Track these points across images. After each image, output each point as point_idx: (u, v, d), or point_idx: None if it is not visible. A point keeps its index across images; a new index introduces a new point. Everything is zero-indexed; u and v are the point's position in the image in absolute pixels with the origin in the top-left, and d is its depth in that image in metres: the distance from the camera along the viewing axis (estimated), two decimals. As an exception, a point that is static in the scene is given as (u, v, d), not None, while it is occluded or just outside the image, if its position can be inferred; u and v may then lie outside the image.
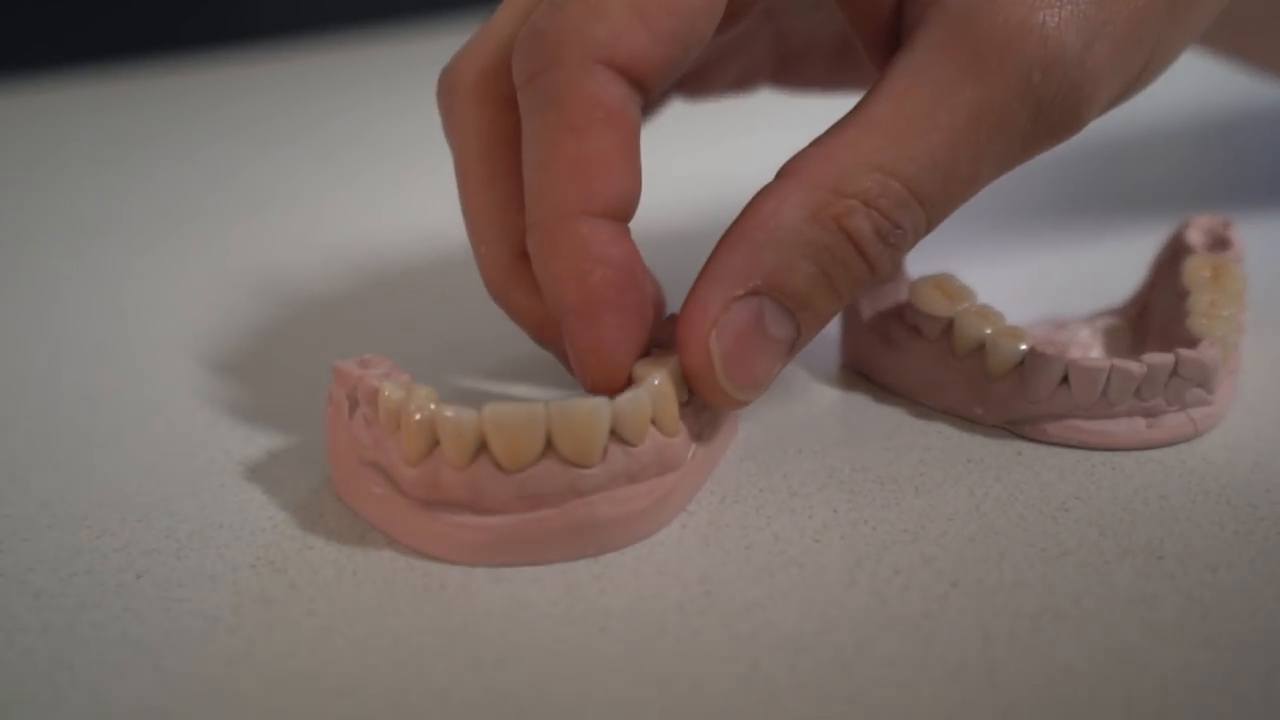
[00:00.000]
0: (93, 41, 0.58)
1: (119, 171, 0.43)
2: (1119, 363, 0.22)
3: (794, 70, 0.29)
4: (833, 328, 0.27)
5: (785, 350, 0.20)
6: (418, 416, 0.19)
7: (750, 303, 0.19)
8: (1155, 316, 0.25)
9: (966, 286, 0.24)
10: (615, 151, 0.19)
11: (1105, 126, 0.38)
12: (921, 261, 0.27)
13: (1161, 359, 0.22)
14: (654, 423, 0.20)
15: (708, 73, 0.27)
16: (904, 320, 0.25)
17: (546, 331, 0.23)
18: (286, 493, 0.22)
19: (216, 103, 0.53)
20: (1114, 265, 0.30)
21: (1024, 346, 0.22)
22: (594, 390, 0.20)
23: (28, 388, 0.26)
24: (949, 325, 0.24)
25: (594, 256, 0.19)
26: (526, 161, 0.20)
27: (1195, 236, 0.25)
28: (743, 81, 0.29)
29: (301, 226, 0.37)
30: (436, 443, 0.19)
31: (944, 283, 0.24)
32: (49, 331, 0.29)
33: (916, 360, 0.24)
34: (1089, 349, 0.25)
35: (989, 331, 0.23)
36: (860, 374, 0.26)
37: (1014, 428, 0.23)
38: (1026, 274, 0.31)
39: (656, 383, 0.19)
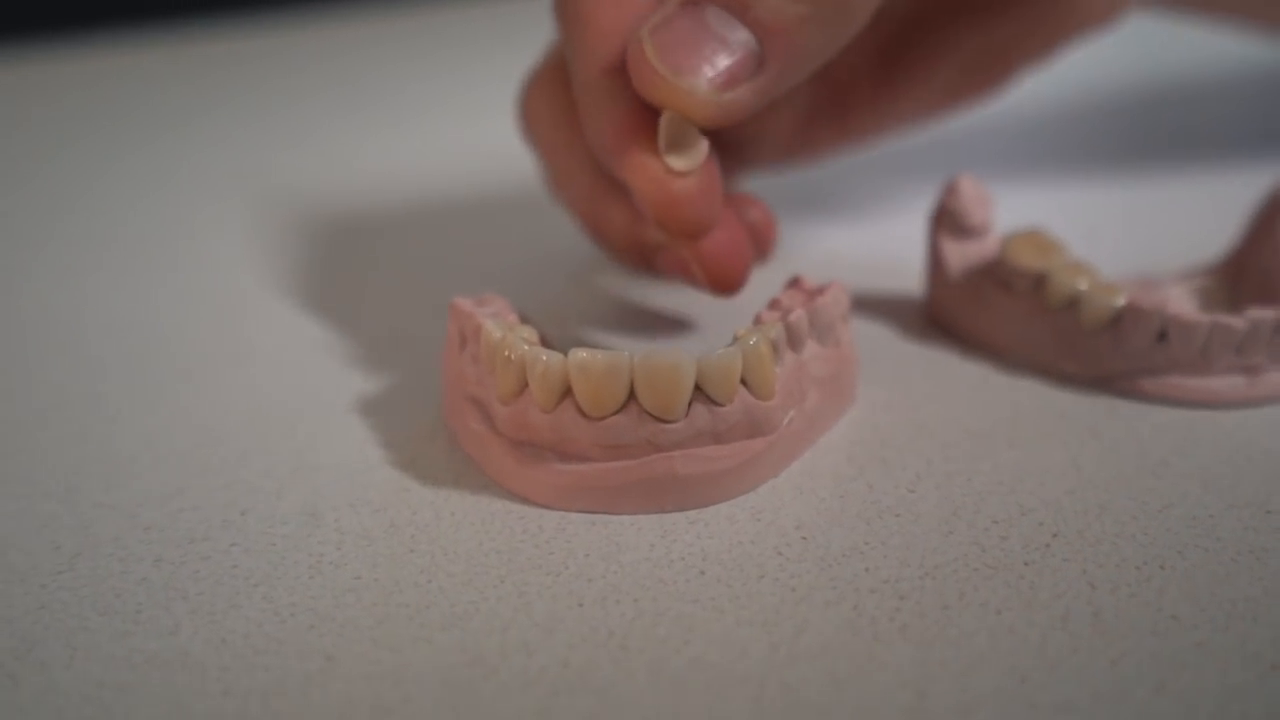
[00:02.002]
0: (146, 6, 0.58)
1: (185, 133, 0.44)
2: (1221, 318, 0.21)
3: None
4: (917, 285, 0.27)
5: (743, 57, 0.19)
6: (510, 356, 0.20)
7: (688, 7, 0.20)
8: (1253, 275, 0.24)
9: (1058, 242, 0.24)
10: None
11: (1191, 73, 0.37)
12: (1009, 213, 0.27)
13: (1265, 315, 0.21)
14: (746, 384, 0.19)
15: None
16: (993, 276, 0.24)
17: (638, 250, 0.23)
18: (380, 432, 0.22)
19: (270, 66, 0.54)
20: (1205, 219, 0.29)
21: (1121, 301, 0.22)
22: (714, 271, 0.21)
23: (123, 331, 0.27)
24: (1041, 280, 0.23)
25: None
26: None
27: (1296, 193, 0.24)
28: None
29: (374, 178, 0.37)
30: (527, 384, 0.20)
31: (1036, 237, 0.24)
32: (140, 279, 0.30)
33: (1006, 316, 0.24)
34: (1183, 306, 0.24)
35: (1084, 287, 0.22)
36: (945, 329, 0.25)
37: (1108, 384, 0.22)
38: (1112, 228, 0.30)
39: (753, 342, 0.19)
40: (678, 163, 0.20)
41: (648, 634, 0.16)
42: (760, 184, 0.31)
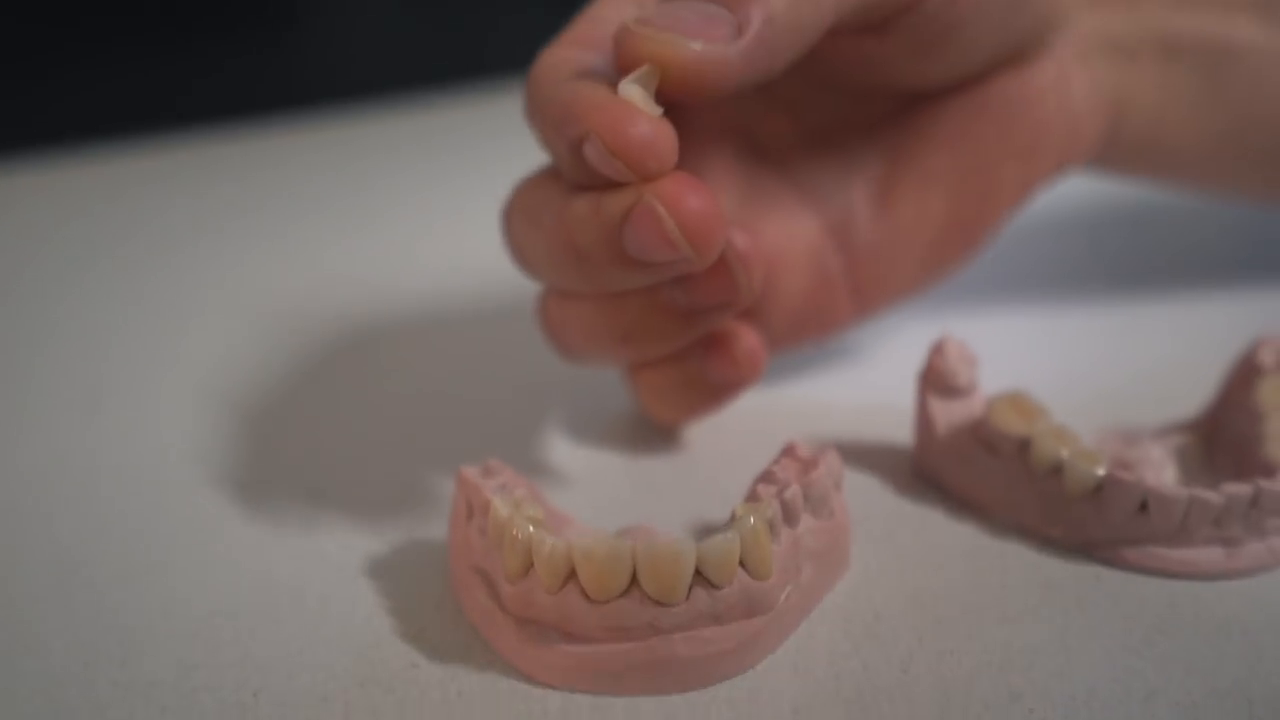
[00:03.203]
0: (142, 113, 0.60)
1: (166, 246, 0.45)
2: (1198, 493, 0.22)
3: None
4: (905, 429, 0.28)
5: (722, 25, 0.21)
6: (518, 535, 0.20)
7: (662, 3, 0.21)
8: (1229, 437, 0.25)
9: (1041, 405, 0.25)
10: None
11: (1173, 219, 0.38)
12: (990, 362, 0.28)
13: (1241, 489, 0.22)
14: (744, 565, 0.20)
15: None
16: (979, 436, 0.25)
17: (605, 265, 0.23)
18: (388, 598, 0.23)
19: (258, 172, 0.55)
20: (1180, 368, 0.30)
21: (1102, 471, 0.23)
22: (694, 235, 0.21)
23: (128, 486, 0.27)
24: (1025, 445, 0.24)
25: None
26: None
27: (1268, 357, 0.26)
28: None
29: (373, 293, 0.38)
30: (533, 564, 0.20)
31: (1019, 400, 0.25)
32: (151, 426, 0.31)
33: (993, 477, 0.25)
34: (1162, 469, 0.25)
35: (1066, 454, 0.23)
36: (934, 484, 0.26)
37: (1092, 550, 0.23)
38: (1091, 375, 0.31)
39: (751, 523, 0.20)
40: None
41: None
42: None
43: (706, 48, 0.20)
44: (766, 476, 0.23)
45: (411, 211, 0.49)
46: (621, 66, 0.21)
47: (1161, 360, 0.32)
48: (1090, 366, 0.32)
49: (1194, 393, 0.28)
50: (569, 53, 0.23)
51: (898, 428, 0.28)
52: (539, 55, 0.24)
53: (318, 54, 0.64)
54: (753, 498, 0.22)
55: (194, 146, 0.58)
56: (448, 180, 0.53)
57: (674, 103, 0.21)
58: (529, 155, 0.25)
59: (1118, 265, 0.39)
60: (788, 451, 0.23)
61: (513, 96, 0.26)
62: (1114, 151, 0.30)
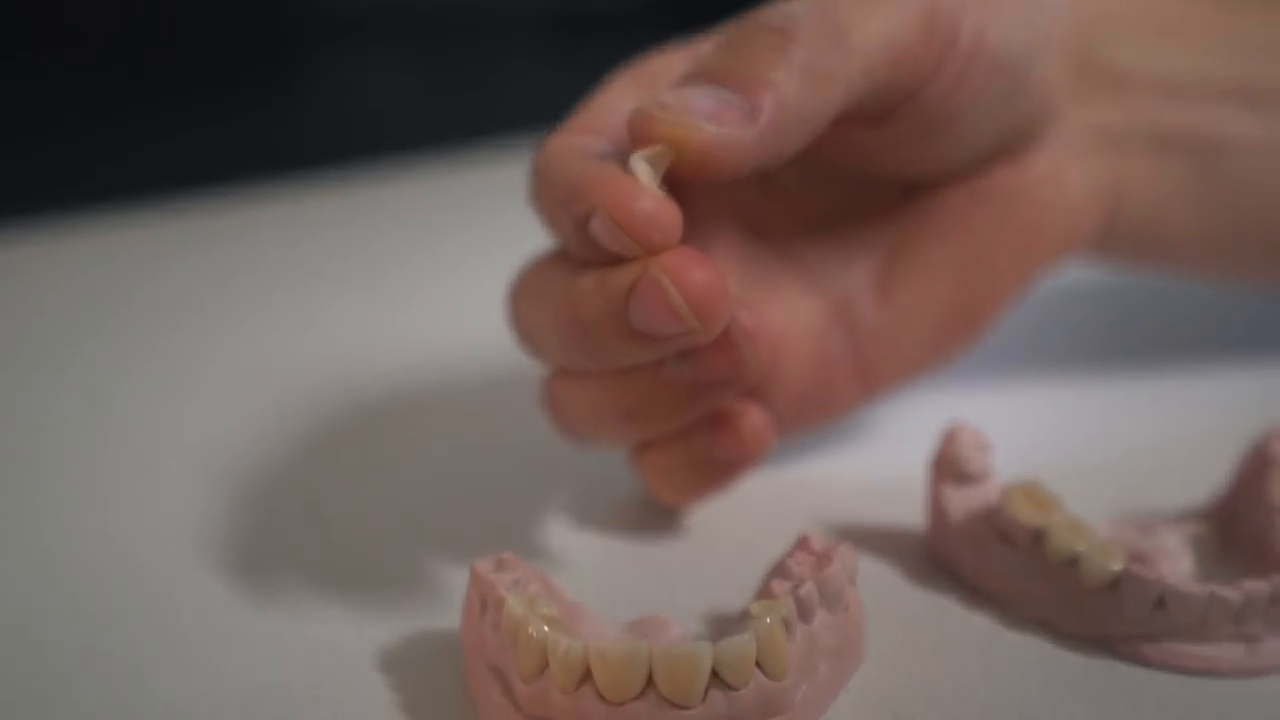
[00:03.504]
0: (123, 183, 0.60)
1: (163, 320, 0.45)
2: (1217, 589, 0.22)
3: None
4: (918, 511, 0.27)
5: (735, 109, 0.21)
6: (533, 635, 0.20)
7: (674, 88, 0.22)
8: (1245, 528, 0.25)
9: (1055, 496, 0.25)
10: None
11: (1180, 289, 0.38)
12: (1002, 438, 0.27)
13: (1260, 587, 0.22)
14: (760, 665, 0.20)
15: None
16: (993, 525, 0.25)
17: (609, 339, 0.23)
18: (402, 693, 0.22)
19: (254, 241, 0.55)
20: (1193, 442, 0.31)
21: (1118, 566, 0.23)
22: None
23: (133, 572, 0.27)
24: (1040, 536, 0.24)
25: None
26: None
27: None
28: None
29: (379, 367, 0.38)
30: (549, 663, 0.20)
31: (1033, 490, 0.25)
32: (153, 507, 0.31)
33: (1008, 567, 0.25)
34: (1179, 559, 0.25)
35: (1082, 548, 0.23)
36: (948, 571, 0.26)
37: (1110, 645, 0.23)
38: (1103, 450, 0.31)
39: (768, 623, 0.20)
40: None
41: None
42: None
43: (721, 131, 0.21)
44: (781, 571, 0.23)
45: (419, 277, 0.49)
46: (635, 148, 0.22)
47: (1174, 435, 0.32)
48: (1103, 442, 0.32)
49: (1207, 469, 0.28)
50: (575, 139, 0.24)
51: (910, 508, 0.28)
52: (545, 141, 0.24)
53: (323, 116, 0.65)
54: (766, 594, 0.22)
55: (196, 212, 0.59)
56: (455, 244, 0.53)
57: (682, 184, 0.22)
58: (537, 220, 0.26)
59: (1126, 335, 0.39)
60: (801, 544, 0.23)
61: (523, 158, 0.27)
62: (1112, 242, 0.31)
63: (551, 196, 0.23)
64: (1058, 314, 0.40)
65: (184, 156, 0.60)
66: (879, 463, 0.31)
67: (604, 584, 0.26)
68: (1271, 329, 0.38)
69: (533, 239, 0.26)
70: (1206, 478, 0.28)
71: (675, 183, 0.22)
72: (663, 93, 0.22)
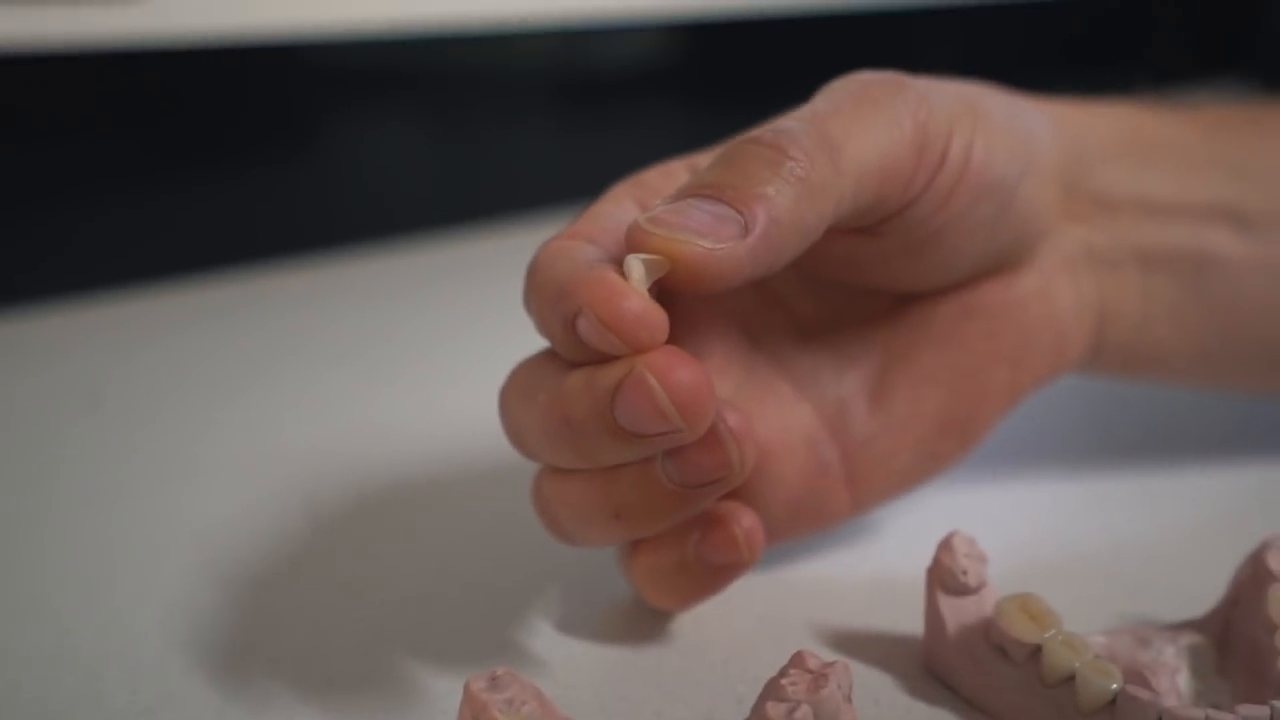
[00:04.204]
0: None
1: (150, 404, 0.45)
2: (1214, 714, 0.22)
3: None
4: (915, 617, 0.27)
5: (730, 224, 0.22)
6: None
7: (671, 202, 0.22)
8: (1241, 640, 0.25)
9: (1052, 610, 0.25)
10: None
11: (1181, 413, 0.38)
12: (997, 539, 0.27)
13: (1258, 712, 0.22)
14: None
15: None
16: (990, 639, 0.25)
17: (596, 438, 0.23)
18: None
19: (245, 317, 0.55)
20: (1189, 541, 0.31)
21: (1115, 686, 0.23)
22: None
23: (117, 673, 0.27)
24: (1036, 651, 0.24)
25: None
26: None
27: (1276, 561, 0.25)
28: None
29: (372, 456, 0.38)
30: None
31: (1030, 604, 0.25)
32: (143, 601, 0.30)
33: (1004, 682, 0.25)
34: (1176, 671, 0.25)
35: (1079, 665, 0.23)
36: (945, 683, 0.26)
37: (1108, 766, 0.23)
38: (1100, 549, 0.31)
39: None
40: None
41: None
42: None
43: (716, 246, 0.21)
44: (775, 692, 0.22)
45: (419, 353, 0.50)
46: (630, 248, 0.22)
47: (1171, 532, 0.32)
48: (1102, 539, 0.32)
49: (1205, 567, 0.28)
50: (570, 243, 0.24)
51: (908, 611, 0.28)
52: (541, 245, 0.24)
53: (326, 185, 0.66)
54: (761, 716, 0.22)
55: (199, 288, 0.59)
56: (460, 317, 0.54)
57: (677, 292, 0.22)
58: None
59: (1126, 430, 0.39)
60: (796, 662, 0.23)
61: (529, 232, 0.27)
62: (1103, 357, 0.31)
63: (542, 297, 0.23)
64: (1058, 406, 0.40)
65: (187, 231, 0.60)
66: (877, 565, 0.31)
67: (600, 694, 0.26)
68: (1266, 426, 0.38)
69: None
70: (1204, 576, 0.28)
71: (670, 291, 0.22)
72: (658, 206, 0.22)
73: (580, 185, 0.75)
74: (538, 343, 0.25)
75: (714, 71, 0.79)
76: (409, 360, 0.49)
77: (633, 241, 0.22)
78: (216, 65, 0.59)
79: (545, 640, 0.28)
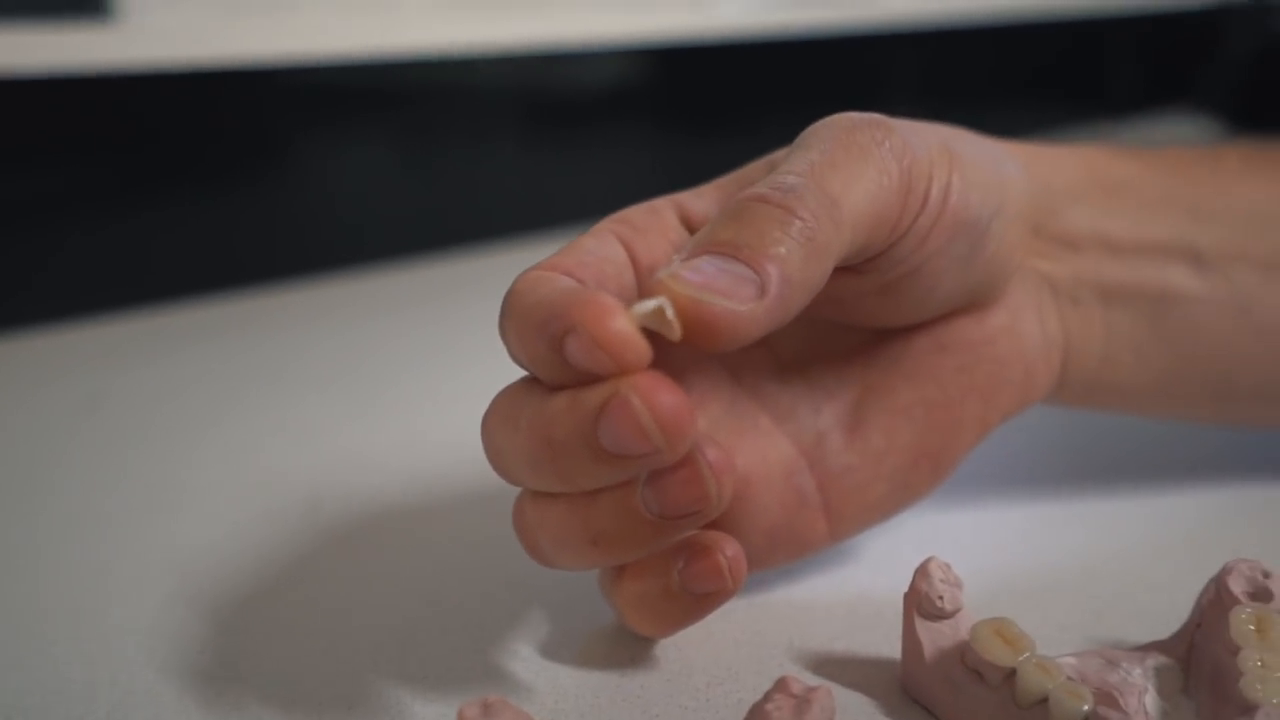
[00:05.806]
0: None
1: (136, 431, 0.45)
2: (1180, 735, 0.23)
3: None
4: (893, 638, 0.28)
5: (745, 283, 0.22)
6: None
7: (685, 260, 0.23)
8: (1205, 663, 0.26)
9: (1026, 634, 0.26)
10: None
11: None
12: (981, 568, 0.28)
13: (1221, 732, 0.23)
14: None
15: None
16: (965, 662, 0.26)
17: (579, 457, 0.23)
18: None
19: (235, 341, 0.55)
20: (1153, 581, 0.32)
21: (1087, 708, 0.24)
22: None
23: (107, 703, 0.27)
24: (1011, 674, 0.25)
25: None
26: None
27: (1237, 585, 0.27)
28: None
29: (363, 483, 0.38)
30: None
31: (1004, 628, 0.26)
32: (127, 628, 0.31)
33: (979, 704, 0.25)
34: (1143, 692, 0.26)
35: (1052, 688, 0.24)
36: (921, 706, 0.27)
37: (1079, 785, 0.24)
38: (1065, 587, 0.32)
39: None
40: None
41: None
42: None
43: (734, 306, 0.22)
44: (760, 717, 0.23)
45: (400, 378, 0.50)
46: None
47: (1142, 552, 0.33)
48: (1074, 560, 0.33)
49: (1168, 592, 0.29)
50: (549, 274, 0.25)
51: (885, 637, 0.29)
52: (520, 275, 0.25)
53: (299, 209, 0.66)
54: (749, 741, 0.23)
55: (172, 313, 0.59)
56: (437, 339, 0.54)
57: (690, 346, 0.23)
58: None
59: (1099, 452, 0.40)
60: (780, 687, 0.24)
61: (504, 255, 0.27)
62: (1068, 389, 0.33)
63: (526, 320, 0.23)
64: (1028, 433, 0.42)
65: (160, 255, 0.60)
66: (854, 589, 0.32)
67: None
68: (1228, 452, 0.40)
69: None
70: (1169, 598, 0.29)
71: (690, 346, 0.23)
72: (676, 264, 0.23)
73: (551, 208, 0.76)
74: (511, 365, 0.26)
75: (682, 95, 0.81)
76: (385, 384, 0.49)
77: (654, 294, 0.23)
78: (191, 90, 0.60)
79: (531, 666, 0.29)
